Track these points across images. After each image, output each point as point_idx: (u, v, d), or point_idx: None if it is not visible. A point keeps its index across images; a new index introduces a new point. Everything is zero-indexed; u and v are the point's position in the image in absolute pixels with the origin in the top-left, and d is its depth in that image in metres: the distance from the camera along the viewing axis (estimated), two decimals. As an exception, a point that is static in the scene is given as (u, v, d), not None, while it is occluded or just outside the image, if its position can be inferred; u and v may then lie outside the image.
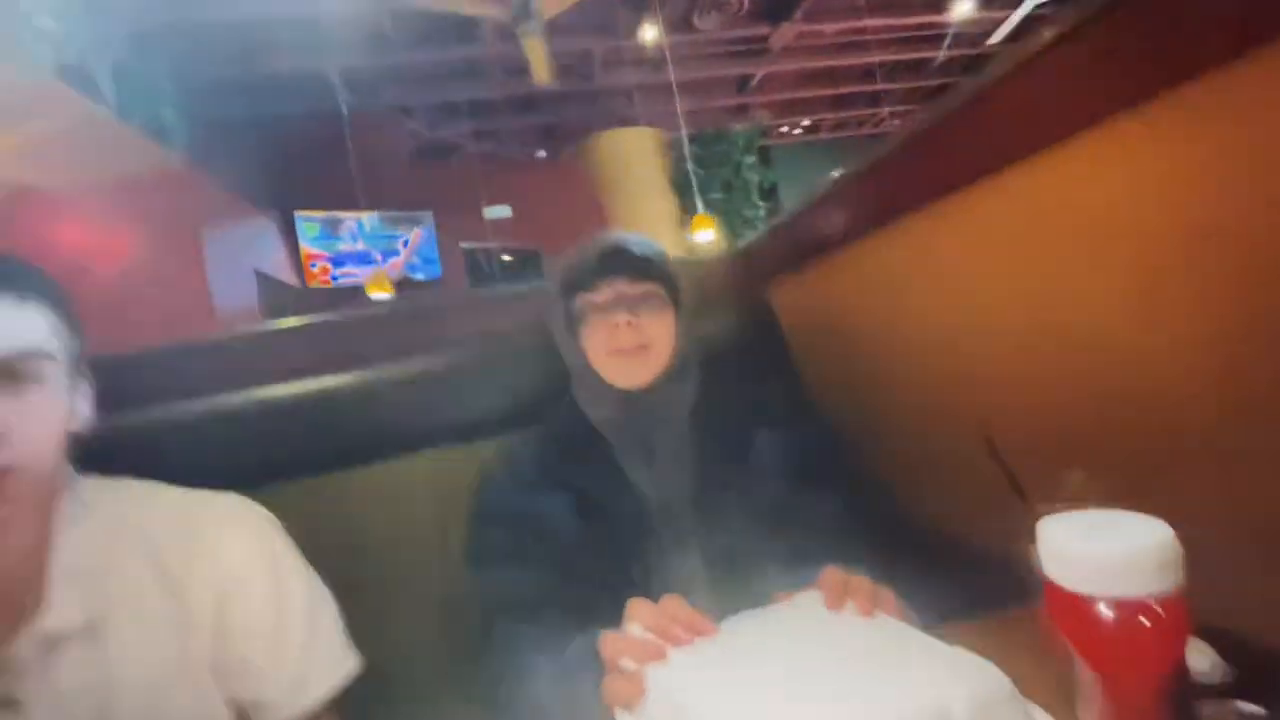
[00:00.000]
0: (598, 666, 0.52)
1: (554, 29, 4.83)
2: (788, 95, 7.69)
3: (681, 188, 6.60)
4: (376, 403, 0.93)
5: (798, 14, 5.84)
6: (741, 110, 7.71)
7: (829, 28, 6.20)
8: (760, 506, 0.72)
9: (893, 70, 7.54)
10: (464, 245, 7.15)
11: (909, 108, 8.26)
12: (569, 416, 0.80)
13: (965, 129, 0.60)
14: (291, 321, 0.95)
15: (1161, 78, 0.43)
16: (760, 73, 6.93)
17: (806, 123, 8.74)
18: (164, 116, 4.12)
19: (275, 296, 5.50)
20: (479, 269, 7.25)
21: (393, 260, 6.68)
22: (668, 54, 5.56)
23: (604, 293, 0.76)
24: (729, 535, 0.70)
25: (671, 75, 5.59)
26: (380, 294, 5.67)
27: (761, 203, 7.30)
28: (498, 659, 0.67)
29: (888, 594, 0.52)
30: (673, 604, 0.51)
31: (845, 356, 0.95)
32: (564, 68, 5.72)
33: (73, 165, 4.07)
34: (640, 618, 0.51)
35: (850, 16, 6.03)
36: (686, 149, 6.21)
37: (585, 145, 6.91)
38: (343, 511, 0.89)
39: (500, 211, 7.27)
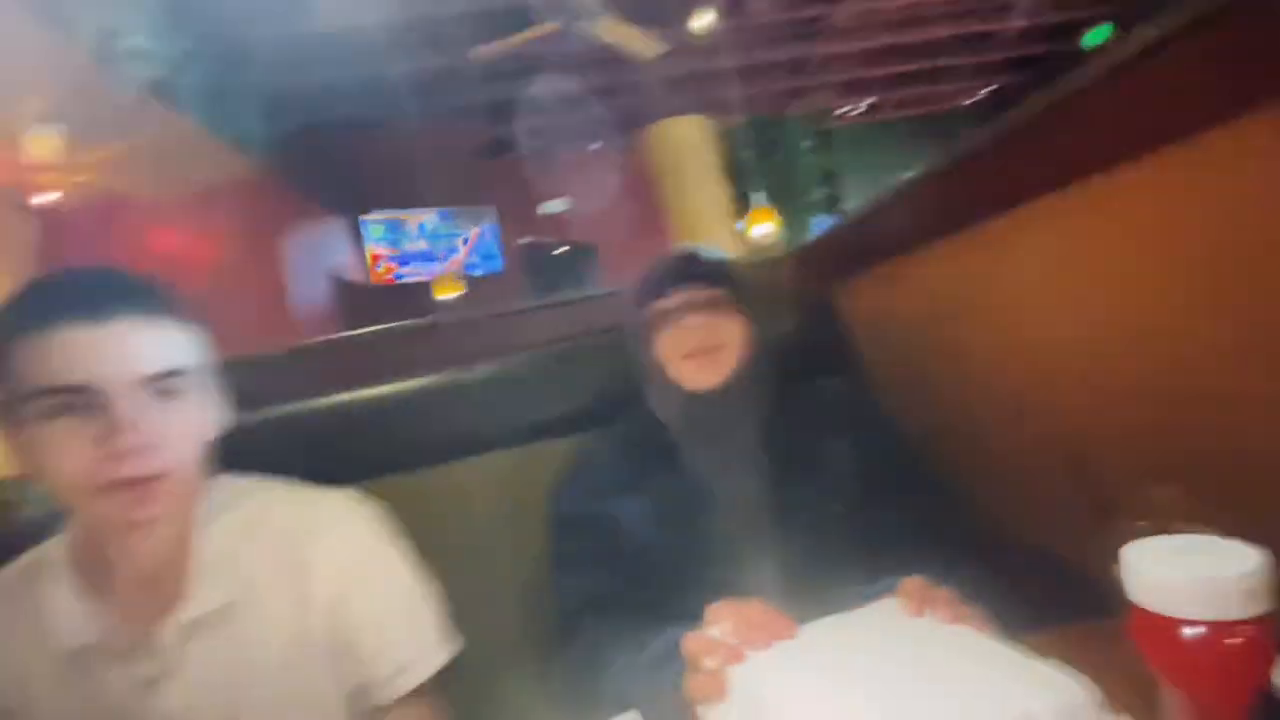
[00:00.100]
0: (677, 663, 0.55)
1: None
2: (848, 76, 7.43)
3: (737, 177, 6.46)
4: (451, 405, 0.98)
5: (856, -10, 5.63)
6: (799, 94, 7.49)
7: (888, 4, 5.96)
8: (833, 512, 0.73)
9: (958, 45, 7.18)
10: (520, 241, 7.29)
11: (975, 83, 7.86)
12: (642, 420, 0.83)
13: (1054, 133, 0.59)
14: (374, 327, 1.02)
15: (1253, 93, 0.41)
16: (818, 53, 6.73)
17: (868, 103, 8.41)
18: (245, 127, 4.36)
19: (345, 297, 5.77)
20: (534, 264, 7.37)
21: (453, 258, 6.88)
22: (720, 39, 5.48)
23: (676, 299, 0.80)
24: (802, 539, 0.71)
25: (725, 61, 5.51)
26: (448, 295, 5.87)
27: (821, 189, 7.06)
28: (576, 655, 0.70)
29: (968, 604, 0.53)
30: (754, 608, 0.53)
31: (917, 362, 0.94)
32: (615, 59, 5.72)
33: (163, 176, 4.38)
34: (722, 621, 0.53)
35: (911, -10, 5.78)
36: (742, 136, 6.09)
37: (639, 136, 6.90)
38: (420, 509, 0.95)
39: (557, 206, 7.37)
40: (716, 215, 6.10)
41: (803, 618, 0.53)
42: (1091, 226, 0.58)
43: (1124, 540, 0.38)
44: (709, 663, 0.51)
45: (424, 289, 6.62)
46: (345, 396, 0.95)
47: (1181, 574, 0.34)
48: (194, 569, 0.61)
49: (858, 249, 0.97)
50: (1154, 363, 0.56)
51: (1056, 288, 0.65)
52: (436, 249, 6.85)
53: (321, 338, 1.03)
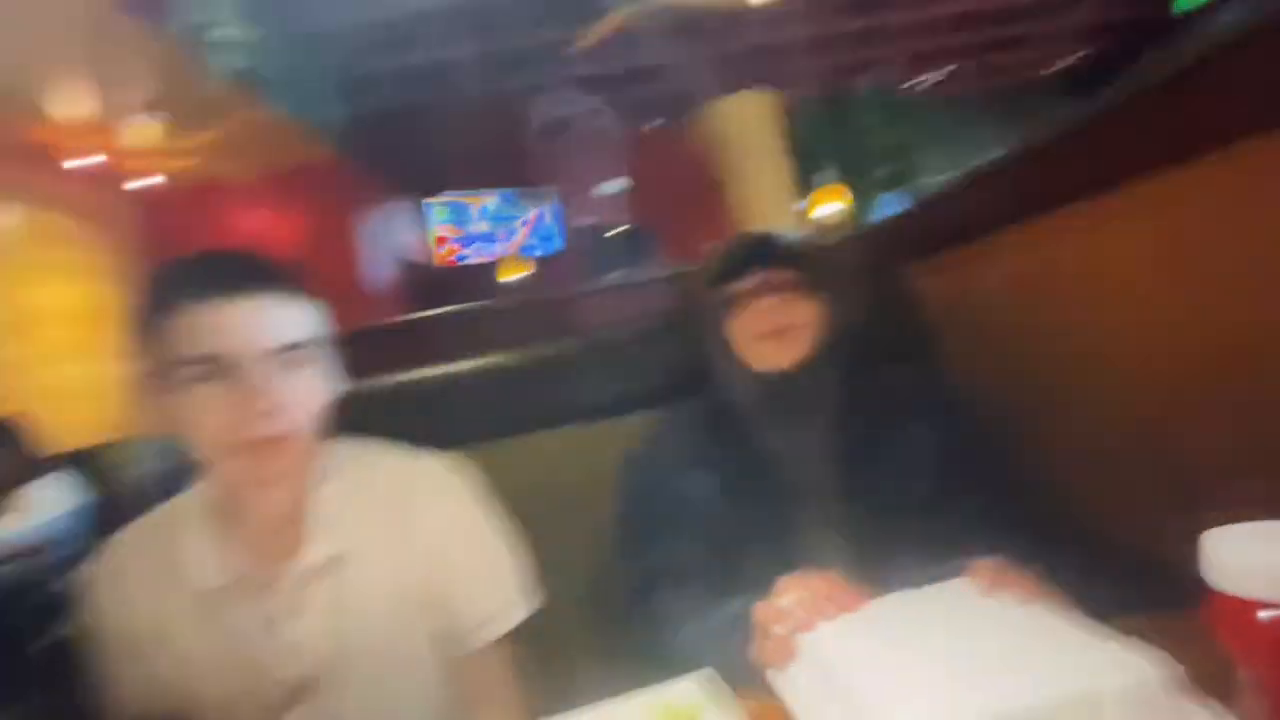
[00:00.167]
0: (744, 629, 0.57)
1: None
2: (921, 45, 7.05)
3: (802, 154, 6.25)
4: (528, 381, 1.03)
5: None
6: (869, 65, 7.13)
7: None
8: (906, 497, 0.73)
9: (1039, 10, 6.71)
10: (577, 223, 7.35)
11: (1058, 51, 7.34)
12: (714, 400, 0.84)
13: (1151, 116, 0.57)
14: (459, 306, 1.08)
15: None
16: (889, 22, 6.43)
17: (942, 74, 7.95)
18: (321, 112, 4.56)
19: (411, 278, 5.99)
20: (591, 246, 7.43)
21: (512, 240, 7.02)
22: (787, 9, 5.31)
23: (751, 280, 0.80)
24: (872, 523, 0.72)
25: (792, 32, 5.34)
26: (513, 276, 6.02)
27: (890, 165, 6.70)
28: (645, 621, 0.73)
29: (1043, 587, 0.52)
30: (824, 580, 0.54)
31: (995, 348, 0.92)
32: (676, 33, 5.63)
33: (248, 160, 4.64)
34: (792, 591, 0.55)
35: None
36: (808, 111, 5.87)
37: (699, 113, 6.78)
38: (498, 477, 1.01)
39: (616, 186, 7.39)
40: (779, 195, 5.94)
41: (870, 597, 0.54)
42: (1191, 212, 0.56)
43: (1204, 527, 0.38)
44: (779, 630, 0.53)
45: (485, 271, 6.79)
46: (432, 371, 1.01)
47: (1260, 558, 0.34)
48: (312, 522, 0.67)
49: (936, 230, 0.95)
50: (1238, 352, 0.55)
51: (1147, 275, 0.63)
52: (497, 231, 7.00)
53: (413, 315, 1.10)
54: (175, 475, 0.74)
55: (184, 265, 0.64)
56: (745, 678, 0.55)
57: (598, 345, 1.05)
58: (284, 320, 0.63)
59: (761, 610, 0.56)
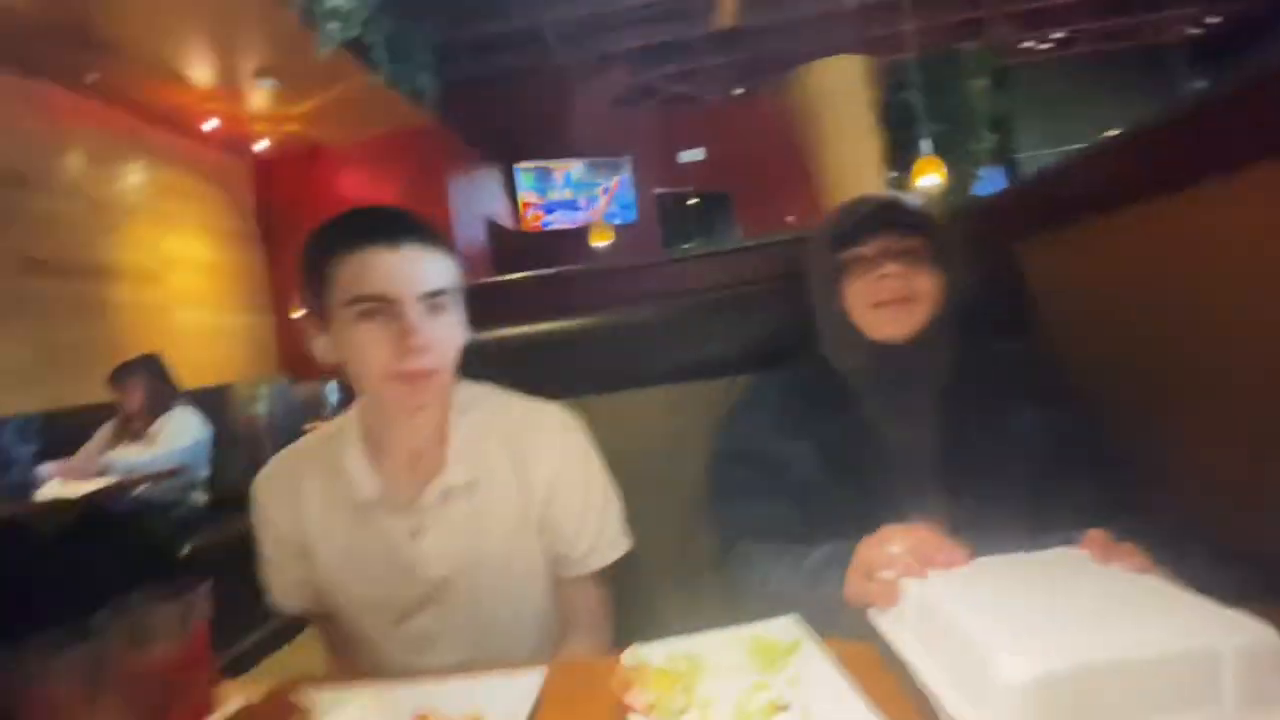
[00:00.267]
0: (837, 571, 0.59)
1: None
2: (1034, 3, 6.46)
3: (894, 122, 5.89)
4: (618, 341, 1.08)
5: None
6: (976, 25, 6.52)
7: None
8: (1009, 478, 0.71)
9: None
10: (656, 191, 7.34)
11: (1192, 13, 6.56)
12: (816, 366, 0.83)
13: None
14: (560, 268, 1.13)
15: None
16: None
17: (1058, 37, 7.27)
18: (421, 80, 4.74)
19: (499, 241, 6.19)
20: (668, 214, 7.41)
21: (594, 208, 7.10)
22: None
23: (873, 246, 0.78)
24: (972, 502, 0.70)
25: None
26: (602, 242, 6.12)
27: (991, 135, 6.19)
28: (738, 564, 0.76)
29: (1155, 564, 0.51)
30: (931, 533, 0.55)
31: (1108, 330, 0.88)
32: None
33: (352, 125, 4.90)
34: (900, 539, 0.56)
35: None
36: (906, 76, 5.49)
37: (786, 79, 6.52)
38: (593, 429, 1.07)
39: (694, 154, 7.32)
40: (868, 166, 5.67)
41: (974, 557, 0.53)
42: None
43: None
44: (887, 574, 0.54)
45: (566, 236, 6.92)
46: (528, 328, 1.07)
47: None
48: (449, 450, 0.76)
49: (1048, 206, 0.91)
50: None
51: (1275, 257, 0.60)
52: (579, 198, 7.10)
53: (512, 275, 1.17)
54: (281, 415, 0.83)
55: (352, 217, 0.72)
56: (830, 623, 0.58)
57: (682, 310, 1.08)
58: (434, 269, 0.70)
59: (870, 550, 0.58)
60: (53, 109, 3.66)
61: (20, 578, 1.72)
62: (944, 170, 4.86)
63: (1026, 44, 7.22)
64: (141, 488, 2.23)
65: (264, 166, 5.18)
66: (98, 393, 2.55)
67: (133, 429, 2.43)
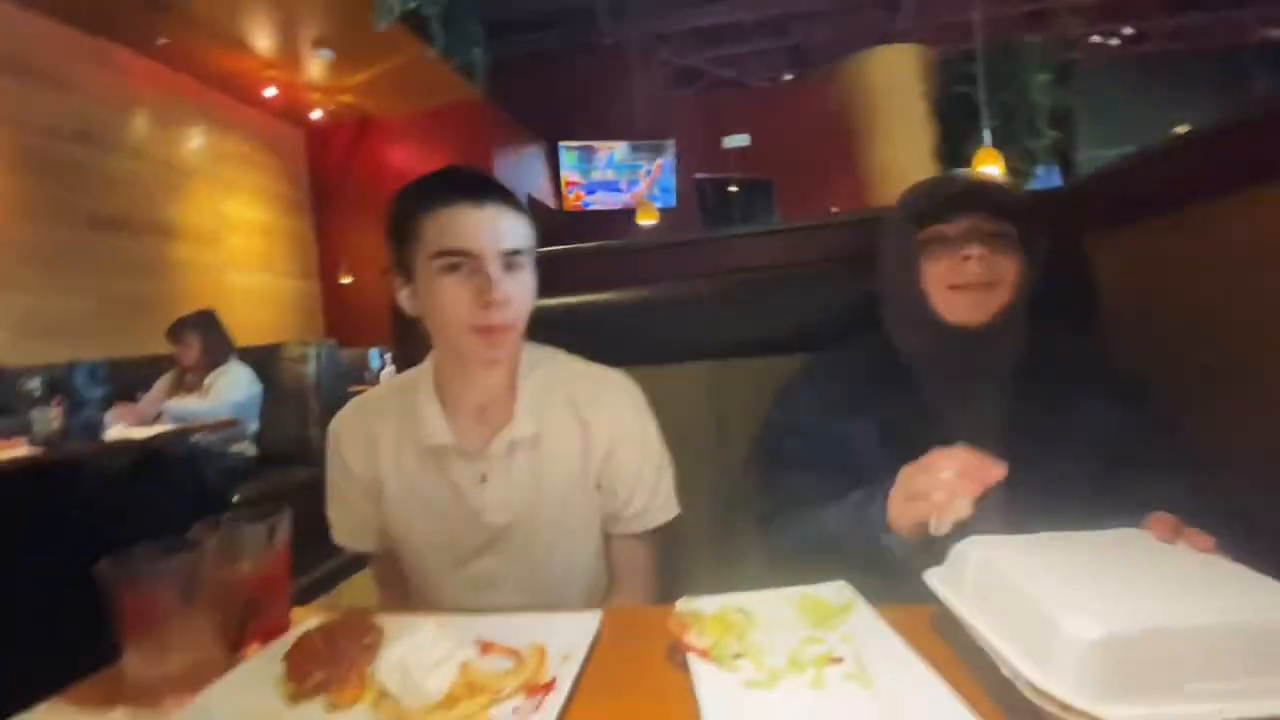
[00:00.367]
0: (880, 501, 0.63)
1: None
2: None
3: (948, 114, 5.72)
4: (662, 315, 1.09)
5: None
6: (1041, 17, 6.25)
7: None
8: (1073, 474, 0.70)
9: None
10: (696, 176, 7.28)
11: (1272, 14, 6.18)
12: (880, 346, 0.82)
13: None
14: (615, 241, 1.15)
15: None
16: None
17: (1129, 32, 6.92)
18: (473, 55, 4.78)
19: (540, 219, 6.22)
20: (708, 199, 7.35)
21: (635, 190, 7.08)
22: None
23: (959, 225, 0.75)
24: (1033, 495, 0.67)
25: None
26: (648, 221, 6.14)
27: (1050, 132, 5.87)
28: (782, 532, 0.78)
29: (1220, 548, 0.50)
30: (967, 454, 0.58)
31: (1174, 325, 0.86)
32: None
33: (403, 98, 4.97)
34: (945, 463, 0.59)
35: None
36: (964, 68, 5.28)
37: (836, 66, 6.35)
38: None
39: (739, 140, 7.23)
40: (918, 158, 5.52)
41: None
42: None
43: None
44: (938, 496, 0.58)
45: (607, 217, 6.92)
46: (583, 298, 1.10)
47: None
48: (516, 404, 0.79)
49: (1117, 201, 0.89)
50: None
51: None
52: (621, 180, 7.09)
53: (571, 245, 1.19)
54: (328, 377, 0.86)
55: (442, 176, 0.75)
56: (875, 560, 0.61)
57: (729, 288, 1.09)
58: (513, 229, 0.73)
59: (915, 477, 0.60)
60: (123, 71, 3.80)
61: (92, 509, 1.82)
62: (1003, 164, 4.68)
63: (1094, 39, 6.91)
64: (196, 436, 2.34)
65: (317, 135, 5.30)
66: (156, 345, 2.67)
67: (188, 381, 2.54)
